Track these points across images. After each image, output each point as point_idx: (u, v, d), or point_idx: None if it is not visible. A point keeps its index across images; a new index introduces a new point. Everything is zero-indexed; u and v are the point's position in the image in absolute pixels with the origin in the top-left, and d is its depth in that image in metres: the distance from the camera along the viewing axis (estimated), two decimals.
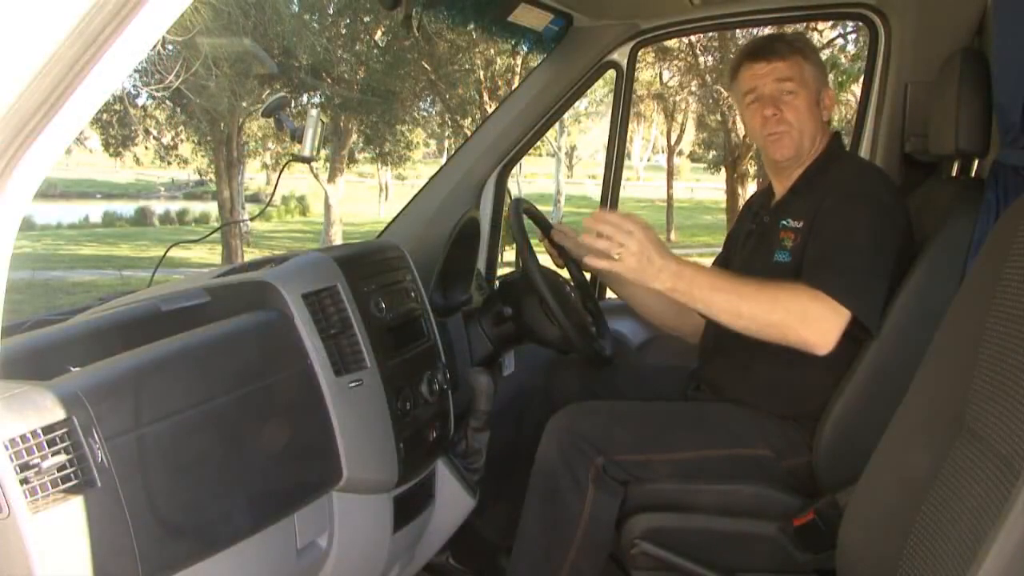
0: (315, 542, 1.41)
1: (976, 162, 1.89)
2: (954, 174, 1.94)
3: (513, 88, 4.76)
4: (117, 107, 12.68)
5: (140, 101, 13.00)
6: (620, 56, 2.28)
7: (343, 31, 11.99)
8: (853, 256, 1.61)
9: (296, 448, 1.33)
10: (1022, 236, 1.08)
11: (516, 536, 1.71)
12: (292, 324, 1.37)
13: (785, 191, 1.83)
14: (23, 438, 0.96)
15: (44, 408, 0.99)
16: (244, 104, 11.90)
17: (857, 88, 7.89)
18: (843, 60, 9.12)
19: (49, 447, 0.97)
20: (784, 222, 1.76)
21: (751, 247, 1.87)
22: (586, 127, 22.41)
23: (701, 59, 12.42)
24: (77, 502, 0.99)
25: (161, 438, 1.11)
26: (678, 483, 1.69)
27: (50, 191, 20.09)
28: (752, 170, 14.02)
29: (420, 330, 1.67)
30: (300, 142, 1.65)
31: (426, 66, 11.83)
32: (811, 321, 1.54)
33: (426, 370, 1.63)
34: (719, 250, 2.08)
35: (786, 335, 1.56)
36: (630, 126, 3.22)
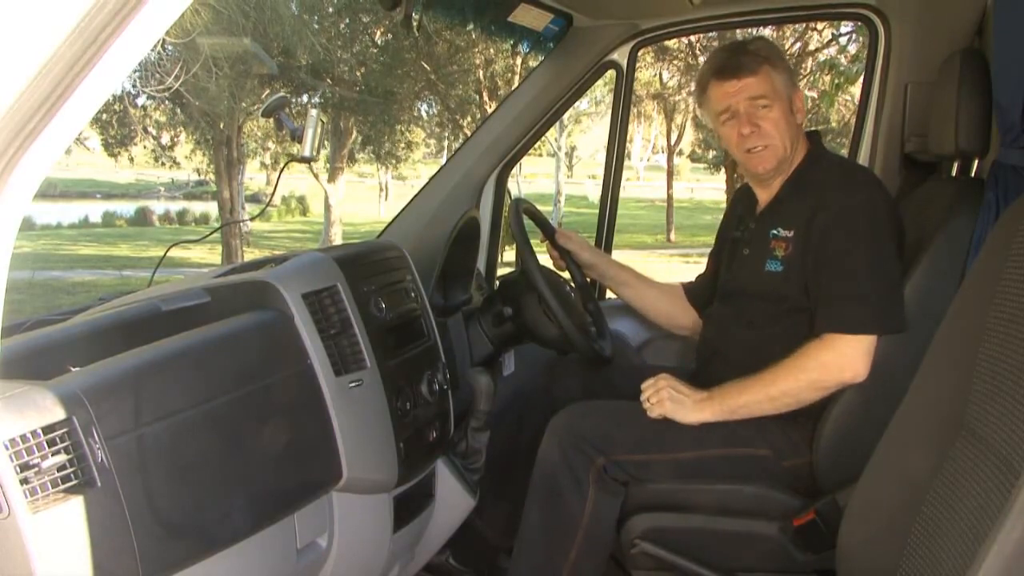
0: (315, 542, 1.41)
1: (976, 162, 1.89)
2: (954, 174, 1.94)
3: (513, 88, 4.76)
4: (117, 107, 12.68)
5: (140, 102, 13.00)
6: (620, 56, 2.28)
7: (343, 31, 11.98)
8: (858, 280, 1.63)
9: (296, 448, 1.33)
10: (1022, 236, 1.08)
11: (517, 537, 1.71)
12: (292, 324, 1.37)
13: (770, 198, 1.82)
14: (23, 438, 0.96)
15: (44, 408, 0.99)
16: (244, 104, 11.89)
17: (855, 90, 7.87)
18: (843, 60, 9.10)
19: (49, 447, 0.97)
20: (774, 231, 1.75)
21: (740, 256, 1.87)
22: (586, 127, 22.41)
23: (701, 59, 12.42)
24: (77, 502, 0.99)
25: (161, 438, 1.11)
26: (678, 483, 1.69)
27: (50, 191, 20.08)
28: None
29: (420, 330, 1.67)
30: (300, 142, 1.65)
31: (426, 66, 11.83)
32: (833, 366, 1.62)
33: (426, 370, 1.62)
34: None
35: (823, 387, 1.64)
36: (630, 126, 3.22)
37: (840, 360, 1.61)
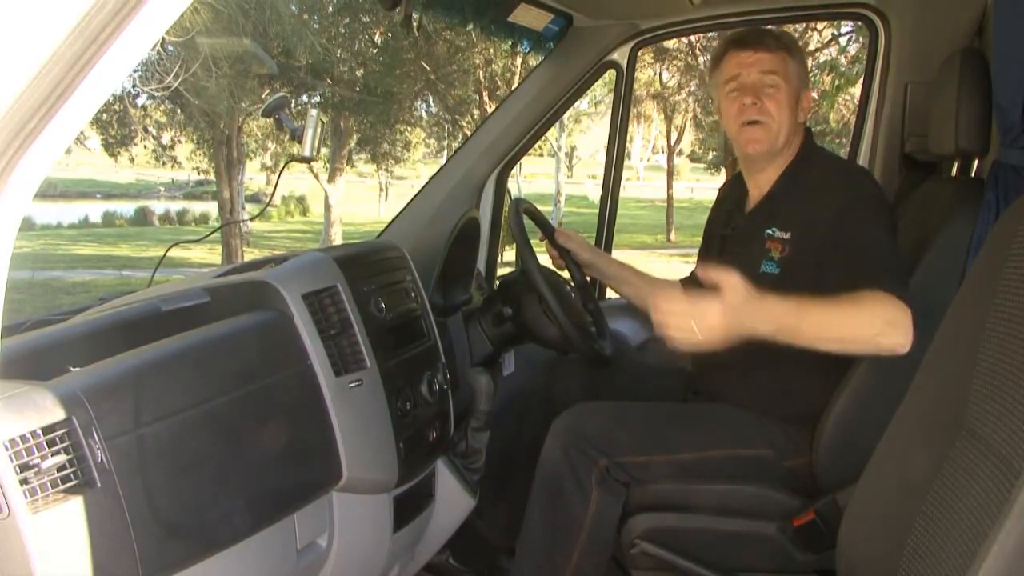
0: (315, 542, 1.41)
1: (976, 162, 1.89)
2: (954, 174, 1.94)
3: (513, 88, 4.76)
4: (117, 107, 12.68)
5: (140, 101, 13.01)
6: (620, 56, 2.28)
7: (343, 31, 11.99)
8: (889, 258, 1.58)
9: (296, 448, 1.33)
10: (1022, 236, 1.08)
11: (520, 538, 1.71)
12: (292, 324, 1.37)
13: (762, 195, 1.80)
14: (23, 438, 0.96)
15: (44, 408, 0.99)
16: (244, 104, 11.89)
17: (854, 90, 7.87)
18: (843, 61, 9.11)
19: (49, 447, 0.97)
20: (769, 231, 1.73)
21: (731, 254, 1.83)
22: (586, 127, 22.41)
23: (701, 59, 12.42)
24: (77, 502, 0.99)
25: (161, 438, 1.11)
26: (679, 483, 1.69)
27: (50, 191, 20.10)
28: None
29: (420, 330, 1.67)
30: (300, 142, 1.65)
31: (425, 66, 11.83)
32: (896, 325, 1.48)
33: (426, 370, 1.62)
34: None
35: (878, 344, 1.49)
36: (630, 126, 3.22)
37: (900, 321, 1.47)
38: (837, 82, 7.88)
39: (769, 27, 2.22)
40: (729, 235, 1.86)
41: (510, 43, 2.39)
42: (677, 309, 1.43)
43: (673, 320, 1.43)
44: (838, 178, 1.72)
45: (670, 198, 17.98)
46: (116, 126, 13.65)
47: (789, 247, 1.70)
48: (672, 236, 17.16)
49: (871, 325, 1.48)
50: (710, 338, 1.43)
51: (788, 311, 1.49)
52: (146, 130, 14.20)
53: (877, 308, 1.49)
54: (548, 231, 2.10)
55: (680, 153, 21.60)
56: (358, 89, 12.20)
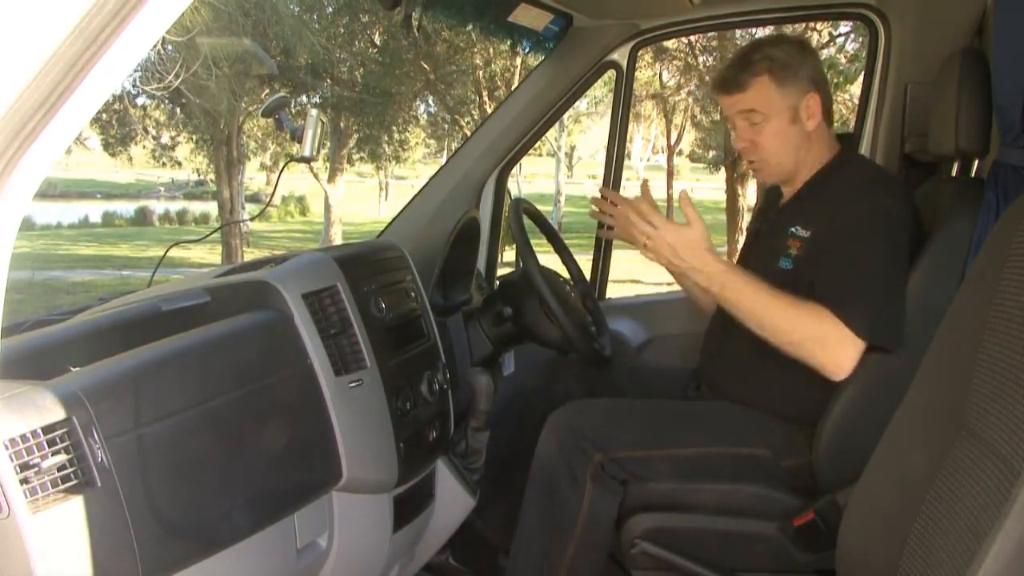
0: (315, 542, 1.41)
1: (976, 162, 1.89)
2: (954, 174, 1.94)
3: (513, 88, 4.76)
4: (117, 107, 12.68)
5: (140, 101, 13.01)
6: (620, 56, 2.28)
7: (343, 31, 11.98)
8: (872, 284, 1.61)
9: (296, 448, 1.33)
10: (1022, 236, 1.08)
11: (515, 534, 1.71)
12: (292, 324, 1.37)
13: (791, 195, 1.83)
14: (23, 438, 0.96)
15: (44, 408, 0.99)
16: (244, 104, 11.89)
17: (854, 89, 7.86)
18: (842, 60, 9.10)
19: (49, 447, 0.97)
20: (793, 229, 1.74)
21: (757, 249, 1.87)
22: (586, 127, 22.40)
23: (701, 59, 12.42)
24: (77, 502, 0.99)
25: (161, 438, 1.11)
26: (678, 482, 1.69)
27: (50, 191, 20.12)
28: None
29: (420, 330, 1.67)
30: (300, 142, 1.65)
31: (425, 66, 11.83)
32: (829, 348, 1.58)
33: (426, 370, 1.63)
34: (720, 249, 2.08)
35: (802, 355, 1.60)
36: (630, 126, 3.22)
37: (837, 347, 1.57)
38: (836, 80, 7.86)
39: (779, 29, 2.22)
40: (760, 230, 1.90)
41: (510, 43, 2.39)
42: (639, 212, 1.65)
43: (632, 217, 1.65)
44: (863, 185, 1.71)
45: (670, 198, 17.95)
46: (116, 126, 13.64)
47: (806, 246, 1.71)
48: None
49: (797, 332, 1.59)
50: (656, 258, 1.64)
51: (728, 275, 1.62)
52: (146, 130, 14.20)
53: (819, 323, 1.58)
54: (548, 231, 2.10)
55: (680, 153, 21.59)
56: (358, 89, 12.19)
